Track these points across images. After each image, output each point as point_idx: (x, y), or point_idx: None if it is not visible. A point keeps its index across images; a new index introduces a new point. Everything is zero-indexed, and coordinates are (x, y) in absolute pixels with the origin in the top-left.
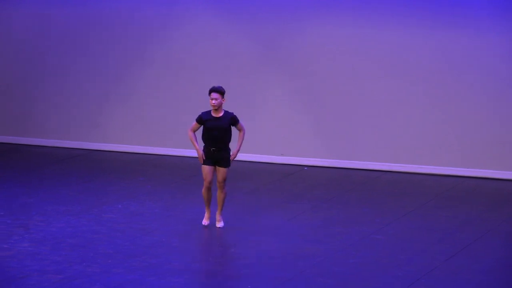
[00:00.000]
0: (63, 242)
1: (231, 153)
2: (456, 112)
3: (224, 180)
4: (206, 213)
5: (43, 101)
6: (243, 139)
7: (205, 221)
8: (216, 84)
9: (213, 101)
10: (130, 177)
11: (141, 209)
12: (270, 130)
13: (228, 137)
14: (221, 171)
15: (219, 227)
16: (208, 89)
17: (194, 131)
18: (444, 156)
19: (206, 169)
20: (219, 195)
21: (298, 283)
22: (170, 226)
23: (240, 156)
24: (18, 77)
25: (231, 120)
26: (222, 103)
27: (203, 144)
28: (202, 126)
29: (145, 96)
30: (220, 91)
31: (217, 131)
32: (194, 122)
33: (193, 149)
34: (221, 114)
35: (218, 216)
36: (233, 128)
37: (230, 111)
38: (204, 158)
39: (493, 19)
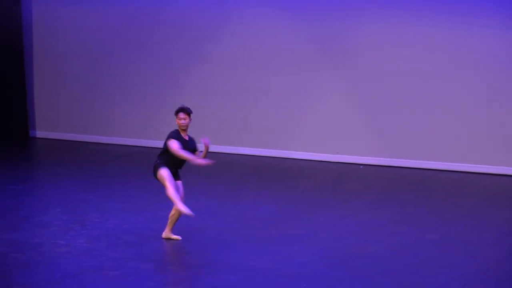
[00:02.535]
0: (119, 239)
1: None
2: None
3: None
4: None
5: (104, 99)
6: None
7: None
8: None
9: (182, 121)
10: (185, 175)
11: (197, 207)
12: (325, 128)
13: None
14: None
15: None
16: (177, 109)
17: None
18: (502, 155)
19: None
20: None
21: (354, 282)
22: (226, 223)
23: (295, 155)
24: (81, 77)
25: (195, 146)
26: (189, 124)
27: (163, 162)
28: (165, 145)
29: (200, 94)
30: (187, 111)
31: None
32: (175, 141)
33: (247, 146)
34: (187, 138)
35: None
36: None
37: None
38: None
39: None
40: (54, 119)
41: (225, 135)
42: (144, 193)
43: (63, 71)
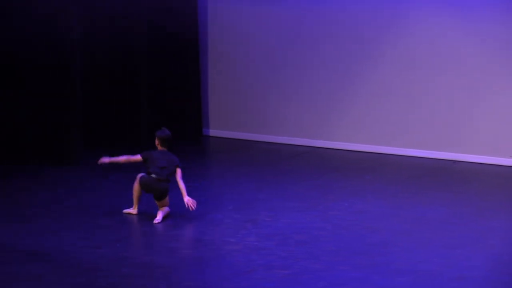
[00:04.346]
0: (289, 238)
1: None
2: None
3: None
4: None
5: (277, 99)
6: None
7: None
8: None
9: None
10: (356, 175)
11: (367, 207)
12: (496, 130)
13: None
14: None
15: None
16: None
17: None
18: None
19: None
20: None
21: None
22: (396, 225)
23: (463, 157)
24: (254, 76)
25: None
26: (156, 144)
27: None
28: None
29: (372, 95)
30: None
31: None
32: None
33: (419, 149)
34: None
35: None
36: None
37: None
38: None
39: None
40: (227, 118)
41: (391, 136)
42: (315, 193)
43: (236, 70)
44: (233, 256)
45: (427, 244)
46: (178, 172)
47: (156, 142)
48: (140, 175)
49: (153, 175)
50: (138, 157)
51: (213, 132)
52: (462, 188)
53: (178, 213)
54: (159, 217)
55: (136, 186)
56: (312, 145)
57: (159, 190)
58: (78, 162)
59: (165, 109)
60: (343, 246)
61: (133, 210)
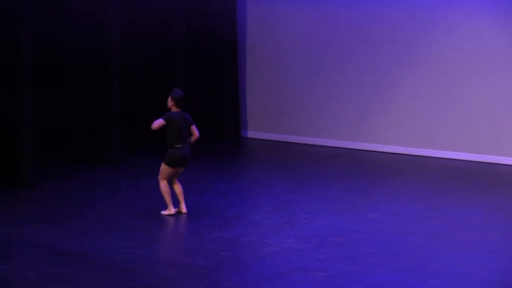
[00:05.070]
0: (327, 240)
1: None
2: None
3: (159, 173)
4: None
5: (314, 101)
6: None
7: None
8: None
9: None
10: (394, 178)
11: (404, 210)
12: None
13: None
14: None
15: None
16: None
17: None
18: None
19: None
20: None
21: None
22: (433, 227)
23: (499, 160)
24: (291, 78)
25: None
26: (169, 105)
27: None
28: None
29: (410, 97)
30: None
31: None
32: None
33: (456, 151)
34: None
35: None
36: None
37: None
38: None
39: None
40: (264, 120)
41: (428, 138)
42: (352, 194)
43: (274, 73)
44: (271, 257)
45: (465, 246)
46: (194, 128)
47: (171, 103)
48: (165, 167)
49: (178, 146)
50: (162, 121)
51: (251, 133)
52: (499, 190)
53: (216, 214)
54: (184, 206)
55: (163, 186)
56: (349, 147)
57: (190, 156)
58: (116, 162)
59: (203, 110)
60: (380, 248)
61: (171, 210)
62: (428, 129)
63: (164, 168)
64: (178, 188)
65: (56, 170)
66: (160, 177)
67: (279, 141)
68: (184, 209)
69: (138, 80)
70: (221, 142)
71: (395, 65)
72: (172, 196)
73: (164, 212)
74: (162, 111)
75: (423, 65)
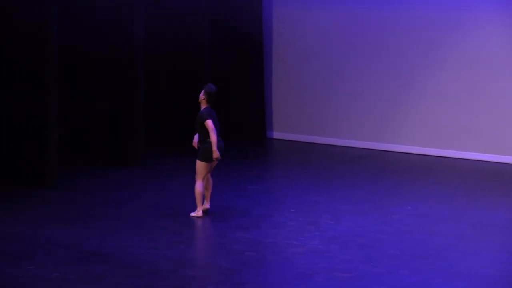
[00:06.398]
0: (351, 241)
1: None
2: None
3: (196, 172)
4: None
5: (338, 101)
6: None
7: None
8: None
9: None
10: (419, 179)
11: (430, 211)
12: None
13: (200, 131)
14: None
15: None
16: None
17: None
18: None
19: None
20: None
21: None
22: (459, 229)
23: None
24: (317, 79)
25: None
26: (201, 98)
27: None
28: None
29: (436, 97)
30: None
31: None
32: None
33: (484, 153)
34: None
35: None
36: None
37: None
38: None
39: None
40: (290, 121)
41: (455, 139)
42: (377, 196)
43: (299, 74)
44: (295, 258)
45: (489, 249)
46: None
47: (202, 97)
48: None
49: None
50: (211, 121)
51: (276, 134)
52: None
53: (240, 214)
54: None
55: (199, 186)
56: (374, 148)
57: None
58: (141, 163)
59: (228, 111)
60: (404, 250)
61: (199, 213)
62: (454, 130)
63: (200, 165)
64: (209, 184)
65: (81, 171)
66: (198, 176)
67: (304, 142)
68: (207, 204)
69: (162, 80)
70: (246, 143)
71: (420, 66)
72: None
73: (193, 214)
74: (186, 111)
75: (449, 65)
